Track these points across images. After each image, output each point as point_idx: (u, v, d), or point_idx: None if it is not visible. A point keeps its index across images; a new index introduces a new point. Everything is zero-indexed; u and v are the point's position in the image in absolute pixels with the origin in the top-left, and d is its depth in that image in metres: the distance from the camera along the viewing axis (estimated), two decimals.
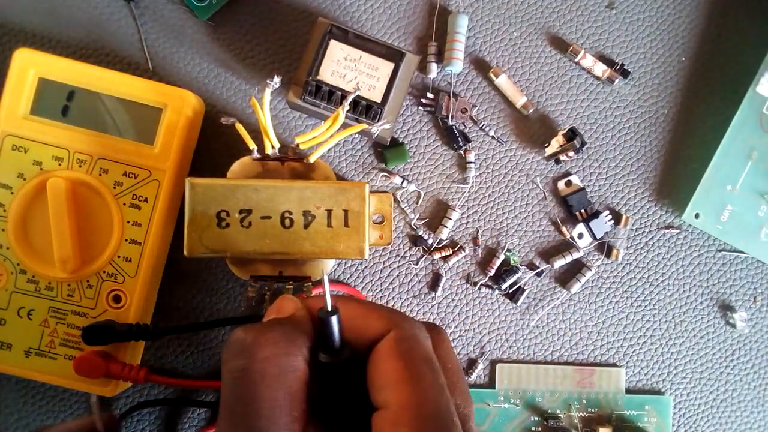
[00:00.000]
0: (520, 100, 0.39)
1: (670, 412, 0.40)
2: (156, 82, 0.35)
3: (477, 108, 0.40)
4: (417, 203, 0.40)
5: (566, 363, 0.40)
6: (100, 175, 0.35)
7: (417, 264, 0.40)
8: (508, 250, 0.40)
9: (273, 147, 0.33)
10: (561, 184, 0.40)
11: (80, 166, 0.35)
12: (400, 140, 0.39)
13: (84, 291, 0.35)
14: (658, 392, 0.40)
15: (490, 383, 0.40)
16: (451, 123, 0.39)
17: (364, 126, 0.35)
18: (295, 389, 0.22)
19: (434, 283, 0.40)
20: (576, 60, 0.40)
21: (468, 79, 0.40)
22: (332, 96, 0.35)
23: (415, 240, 0.39)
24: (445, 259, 0.39)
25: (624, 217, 0.40)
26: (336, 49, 0.36)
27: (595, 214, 0.40)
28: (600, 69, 0.39)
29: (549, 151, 0.39)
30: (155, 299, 0.37)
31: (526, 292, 0.40)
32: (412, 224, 0.40)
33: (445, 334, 0.27)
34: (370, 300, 0.39)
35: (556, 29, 0.40)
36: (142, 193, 0.35)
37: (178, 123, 0.35)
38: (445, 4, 0.40)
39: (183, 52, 0.39)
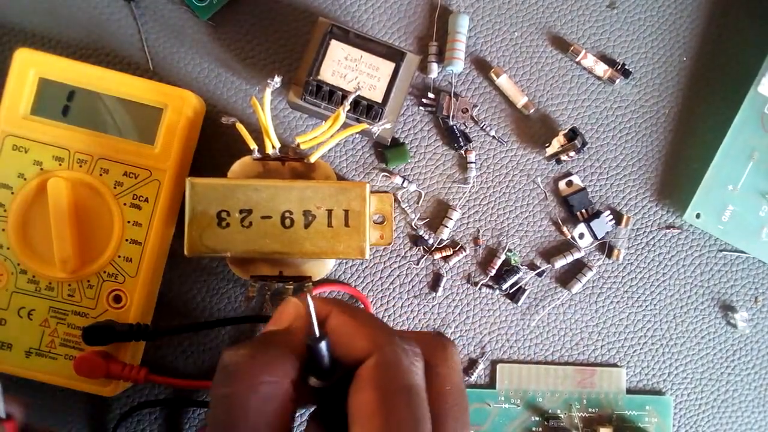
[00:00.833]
0: (521, 100, 0.39)
1: (670, 412, 0.40)
2: (156, 82, 0.35)
3: (478, 108, 0.40)
4: (418, 203, 0.40)
5: (567, 363, 0.40)
6: (101, 175, 0.35)
7: (418, 264, 0.40)
8: (509, 250, 0.40)
9: (273, 147, 0.33)
10: (562, 184, 0.40)
11: (81, 166, 0.35)
12: (401, 140, 0.39)
13: (84, 291, 0.35)
14: (659, 392, 0.40)
15: (491, 383, 0.40)
16: (451, 123, 0.39)
17: (364, 126, 0.35)
18: (277, 417, 0.22)
19: (435, 283, 0.40)
20: (577, 60, 0.39)
21: (469, 79, 0.40)
22: (333, 96, 0.35)
23: (416, 240, 0.39)
24: (445, 259, 0.39)
25: (625, 217, 0.40)
26: (337, 49, 0.36)
27: (596, 214, 0.39)
28: (601, 69, 0.39)
29: (550, 151, 0.39)
30: (155, 299, 0.37)
31: (526, 292, 0.40)
32: (413, 224, 0.39)
33: (452, 350, 0.25)
34: (371, 300, 0.39)
35: (557, 29, 0.40)
36: (142, 193, 0.35)
37: (178, 123, 0.35)
38: (446, 3, 0.40)
39: (183, 52, 0.39)
